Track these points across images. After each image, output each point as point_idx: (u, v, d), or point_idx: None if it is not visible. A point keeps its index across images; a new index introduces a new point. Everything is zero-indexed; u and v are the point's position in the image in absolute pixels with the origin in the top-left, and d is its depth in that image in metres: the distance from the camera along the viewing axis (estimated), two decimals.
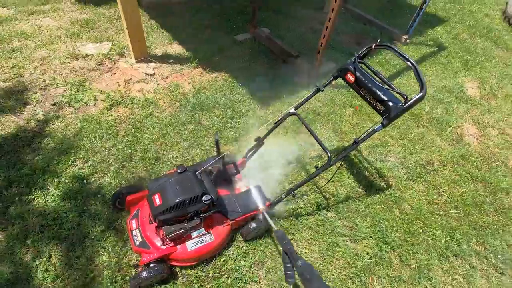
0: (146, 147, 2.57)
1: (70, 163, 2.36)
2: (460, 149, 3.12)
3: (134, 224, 1.90)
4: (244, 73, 3.55)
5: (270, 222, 1.92)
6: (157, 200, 1.72)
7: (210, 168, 2.07)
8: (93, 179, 2.29)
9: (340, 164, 2.68)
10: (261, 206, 2.06)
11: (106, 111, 2.83)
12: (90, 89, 3.02)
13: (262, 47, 4.03)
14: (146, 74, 3.28)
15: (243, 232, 2.07)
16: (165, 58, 3.55)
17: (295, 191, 1.97)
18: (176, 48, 3.76)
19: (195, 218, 1.81)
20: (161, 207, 1.69)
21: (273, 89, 3.39)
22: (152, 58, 3.46)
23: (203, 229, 1.90)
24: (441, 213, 2.53)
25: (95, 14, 4.11)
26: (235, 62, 3.69)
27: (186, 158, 2.56)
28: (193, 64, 3.53)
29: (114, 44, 3.60)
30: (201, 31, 4.12)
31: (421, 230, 2.38)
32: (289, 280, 1.53)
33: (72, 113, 2.77)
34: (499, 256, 2.33)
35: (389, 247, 2.23)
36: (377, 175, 2.75)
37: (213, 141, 2.71)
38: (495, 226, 2.52)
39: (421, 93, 1.62)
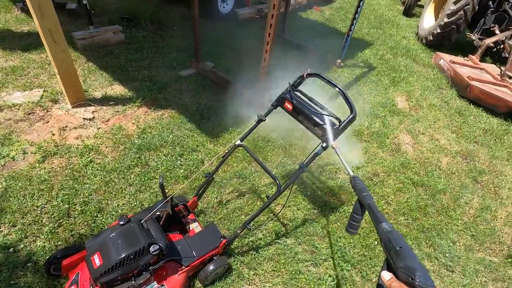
0: (86, 199, 2.35)
1: None
2: (400, 158, 3.39)
3: None
4: (190, 108, 3.54)
5: (346, 166, 1.58)
6: (97, 260, 1.55)
7: (158, 213, 1.95)
8: (22, 246, 2.00)
9: (291, 189, 2.71)
10: (216, 245, 1.97)
11: (37, 164, 2.56)
12: (18, 142, 2.74)
13: (207, 80, 4.08)
14: (84, 119, 3.09)
15: (200, 277, 1.94)
16: (106, 100, 3.40)
17: (250, 224, 1.94)
18: (117, 89, 3.64)
19: (144, 273, 1.66)
20: (102, 268, 1.52)
21: (220, 121, 3.41)
22: (90, 102, 3.29)
23: (155, 282, 1.75)
24: (392, 222, 2.67)
25: (23, 61, 3.84)
26: (180, 98, 3.67)
27: (133, 205, 2.39)
28: (136, 104, 3.42)
29: (46, 90, 3.36)
30: (143, 70, 4.06)
31: (376, 242, 2.47)
32: (352, 231, 1.37)
33: None
34: (447, 255, 2.49)
35: (349, 265, 2.25)
36: (330, 194, 2.84)
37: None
38: (439, 226, 2.72)
39: (352, 115, 1.76)
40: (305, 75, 2.01)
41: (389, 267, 0.91)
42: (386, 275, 0.84)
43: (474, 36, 6.05)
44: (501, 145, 3.90)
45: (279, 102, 2.04)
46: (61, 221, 2.18)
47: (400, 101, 4.48)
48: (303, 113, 1.90)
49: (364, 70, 5.10)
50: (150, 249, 1.61)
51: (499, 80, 4.79)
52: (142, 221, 1.76)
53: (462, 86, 4.77)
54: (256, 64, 3.57)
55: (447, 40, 6.19)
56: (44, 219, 2.17)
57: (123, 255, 1.54)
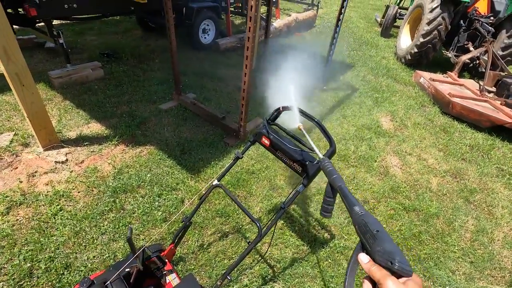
0: (53, 254, 2.14)
1: None
2: (389, 182, 3.29)
3: None
4: (170, 142, 3.42)
5: (315, 148, 1.53)
6: None
7: (127, 270, 1.76)
8: None
9: (274, 228, 2.55)
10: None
11: (1, 217, 2.36)
12: None
13: (188, 113, 4.00)
14: (56, 162, 2.92)
15: None
16: (81, 140, 3.26)
17: (230, 275, 1.77)
18: (94, 128, 3.51)
19: None
20: None
21: (203, 155, 3.28)
22: (64, 143, 3.14)
23: None
24: None
25: None
26: (160, 133, 3.56)
27: (105, 257, 2.18)
28: (113, 142, 3.29)
29: (17, 134, 3.21)
30: (122, 105, 3.97)
31: None
32: (326, 214, 1.34)
33: None
34: (447, 287, 2.33)
35: None
36: (319, 227, 2.69)
37: (136, 229, 2.41)
38: (436, 255, 2.57)
39: (331, 148, 1.66)
40: (281, 108, 1.94)
41: (363, 250, 0.87)
42: (364, 258, 0.80)
43: (450, 54, 6.24)
44: (489, 161, 3.86)
45: (256, 137, 1.95)
46: (21, 283, 1.96)
47: (385, 121, 4.47)
48: (281, 148, 1.81)
49: (347, 92, 5.13)
50: None
51: (479, 95, 4.86)
52: (106, 284, 1.57)
53: (444, 103, 4.82)
54: (239, 92, 3.52)
55: (424, 58, 6.36)
56: (2, 282, 1.95)
57: None
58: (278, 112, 1.96)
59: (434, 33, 5.84)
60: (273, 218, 1.75)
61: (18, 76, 2.59)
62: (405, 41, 7.15)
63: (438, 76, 5.67)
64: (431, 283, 2.35)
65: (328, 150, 1.66)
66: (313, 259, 2.38)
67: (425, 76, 5.51)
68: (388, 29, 8.73)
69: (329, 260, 2.39)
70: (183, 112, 4.00)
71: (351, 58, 6.76)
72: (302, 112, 1.80)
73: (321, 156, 1.46)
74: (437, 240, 2.71)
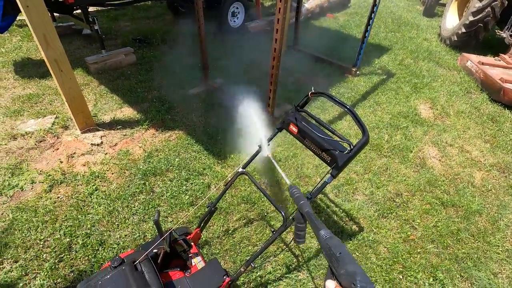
0: (89, 231, 2.29)
1: None
2: (425, 174, 3.07)
3: None
4: (198, 128, 3.45)
5: (284, 175, 1.60)
6: None
7: (155, 251, 1.82)
8: (21, 284, 1.94)
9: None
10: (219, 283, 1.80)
11: (44, 194, 2.55)
12: (27, 171, 2.76)
13: (215, 98, 4.00)
14: (92, 144, 3.08)
15: None
16: (114, 124, 3.39)
17: (253, 262, 1.77)
18: (126, 112, 3.64)
19: None
20: None
21: (230, 140, 3.28)
22: (99, 127, 3.29)
23: None
24: (419, 250, 2.37)
25: (39, 88, 3.97)
26: (188, 118, 3.60)
27: (136, 236, 2.29)
28: (144, 126, 3.39)
29: (58, 117, 3.41)
30: (153, 90, 4.06)
31: (401, 276, 2.18)
32: (299, 241, 1.34)
33: (4, 203, 2.47)
34: None
35: None
36: (347, 218, 2.59)
37: (164, 211, 2.48)
38: (476, 255, 2.38)
39: (364, 138, 1.55)
40: (310, 95, 1.83)
41: (333, 275, 0.89)
42: (331, 284, 0.83)
43: (505, 34, 5.56)
44: None
45: (284, 124, 1.88)
46: (62, 256, 2.11)
47: (424, 109, 4.14)
48: (310, 136, 1.72)
49: (382, 78, 4.81)
50: None
51: None
52: (135, 263, 1.63)
53: (494, 90, 4.35)
54: (267, 78, 3.43)
55: (473, 39, 5.74)
56: (46, 254, 2.12)
57: None
58: (307, 98, 1.86)
59: (487, 10, 5.22)
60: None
61: (56, 62, 2.71)
62: (451, 20, 6.49)
63: (489, 59, 5.10)
64: (469, 285, 2.19)
65: (361, 139, 1.55)
66: None
67: (473, 60, 4.98)
68: (432, 7, 7.97)
69: (357, 253, 2.31)
70: (211, 98, 4.00)
71: (388, 40, 6.29)
72: (332, 98, 1.69)
73: (289, 182, 1.51)
74: (478, 239, 2.50)
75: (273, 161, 1.69)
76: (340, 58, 5.12)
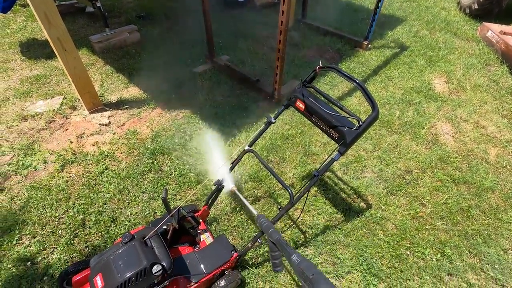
0: (101, 208, 2.35)
1: (14, 242, 2.12)
2: (437, 151, 2.99)
3: None
4: (205, 106, 3.42)
5: (250, 206, 1.72)
6: (99, 282, 1.50)
7: (164, 227, 1.87)
8: (40, 258, 2.04)
9: (307, 195, 2.49)
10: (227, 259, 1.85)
11: (57, 173, 2.61)
12: (39, 151, 2.82)
13: (222, 76, 3.92)
14: (100, 124, 3.10)
15: None
16: (121, 104, 3.39)
17: (260, 238, 1.79)
18: (132, 91, 3.62)
19: None
20: None
21: (236, 118, 3.24)
22: (106, 107, 3.30)
23: None
24: (428, 227, 2.35)
25: (46, 69, 3.96)
26: (195, 96, 3.56)
27: (146, 213, 2.34)
28: (151, 106, 3.38)
29: (65, 97, 3.43)
30: (158, 69, 4.00)
31: (409, 252, 2.19)
32: (277, 269, 1.40)
33: (19, 182, 2.55)
34: (496, 266, 2.15)
35: (376, 279, 2.02)
36: (355, 195, 2.58)
37: (173, 189, 2.52)
38: (487, 232, 2.35)
39: (374, 113, 1.50)
40: (317, 69, 1.76)
41: None
42: None
43: None
44: None
45: (291, 101, 1.83)
46: (76, 232, 2.20)
47: (438, 83, 3.96)
48: (317, 113, 1.67)
49: (395, 51, 4.59)
50: (153, 269, 1.52)
51: None
52: (145, 238, 1.68)
53: None
54: (275, 54, 3.32)
55: (496, 7, 5.35)
56: (61, 230, 2.21)
57: (124, 277, 1.47)
58: (314, 72, 1.78)
59: None
60: (305, 185, 1.68)
61: (60, 41, 2.67)
62: None
63: (511, 28, 4.77)
64: (477, 261, 2.18)
65: (370, 115, 1.50)
66: (347, 227, 2.32)
67: (494, 29, 4.68)
68: None
69: (364, 230, 2.31)
70: (217, 75, 3.93)
71: (402, 10, 5.94)
72: (341, 72, 1.61)
73: (255, 212, 1.59)
74: (489, 216, 2.46)
75: (237, 193, 1.86)
76: (351, 31, 4.89)
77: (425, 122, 3.32)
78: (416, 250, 2.20)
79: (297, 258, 1.14)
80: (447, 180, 2.71)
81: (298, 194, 1.69)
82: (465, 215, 2.45)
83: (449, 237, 2.30)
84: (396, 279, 2.03)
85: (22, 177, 2.59)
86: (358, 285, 2.00)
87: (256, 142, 2.06)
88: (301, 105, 1.77)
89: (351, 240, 2.24)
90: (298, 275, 1.05)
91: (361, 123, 1.52)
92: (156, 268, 1.53)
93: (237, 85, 3.77)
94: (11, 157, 2.75)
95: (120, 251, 1.58)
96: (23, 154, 2.77)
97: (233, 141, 3.00)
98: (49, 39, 2.64)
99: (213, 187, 2.06)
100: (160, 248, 1.67)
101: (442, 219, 2.41)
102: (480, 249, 2.23)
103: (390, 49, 4.65)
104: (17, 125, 3.08)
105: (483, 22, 5.06)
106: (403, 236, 2.28)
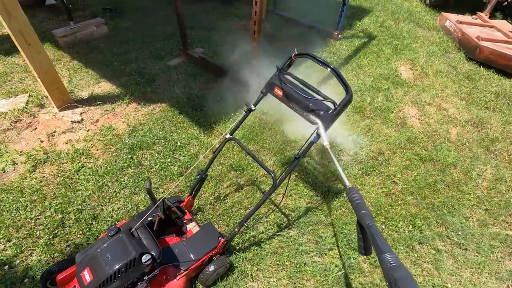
0: (80, 206, 2.29)
1: None
2: (406, 133, 3.21)
3: None
4: (181, 99, 3.38)
5: (343, 175, 1.41)
6: (87, 276, 1.49)
7: (150, 218, 1.87)
8: (18, 261, 1.96)
9: (289, 179, 2.58)
10: (215, 245, 1.89)
11: (28, 174, 2.49)
12: (6, 152, 2.66)
13: (197, 68, 3.89)
14: (72, 122, 2.98)
15: (201, 279, 1.88)
16: (93, 100, 3.27)
17: (246, 222, 1.85)
18: (104, 87, 3.49)
19: (139, 283, 1.59)
20: (92, 284, 1.45)
21: (214, 110, 3.25)
22: (77, 103, 3.16)
23: None
24: (399, 202, 2.54)
25: (6, 66, 3.70)
26: (170, 90, 3.51)
27: (129, 208, 2.31)
28: (125, 101, 3.28)
29: (31, 95, 3.24)
30: (130, 63, 3.88)
31: (384, 226, 2.36)
32: (363, 251, 1.20)
33: None
34: (460, 233, 2.37)
35: (356, 253, 2.16)
36: (333, 178, 2.71)
37: (155, 183, 2.50)
38: (451, 203, 2.58)
39: (348, 96, 1.59)
40: (293, 56, 1.82)
41: None
42: None
43: None
44: None
45: (269, 88, 1.88)
46: (56, 232, 2.13)
47: (404, 70, 4.21)
48: (295, 98, 1.74)
49: (364, 41, 4.79)
50: (142, 259, 1.53)
51: (511, 38, 4.43)
52: (132, 230, 1.68)
53: (470, 48, 4.45)
54: (249, 45, 3.35)
55: None
56: (39, 231, 2.12)
57: (113, 269, 1.47)
58: (290, 60, 1.85)
59: None
60: (287, 169, 1.76)
61: (22, 34, 2.52)
62: None
63: (466, 18, 5.16)
64: (444, 229, 2.40)
65: (344, 98, 1.60)
66: (327, 208, 2.44)
67: (451, 19, 5.02)
68: None
69: (343, 209, 2.45)
70: (192, 68, 3.89)
71: (369, 1, 6.18)
72: (316, 58, 1.69)
73: (348, 184, 1.31)
74: (452, 189, 2.70)
75: (331, 154, 1.56)
76: (321, 22, 5.02)
77: (394, 107, 3.53)
78: (390, 224, 2.37)
79: (392, 259, 0.90)
80: (415, 159, 2.93)
81: (280, 178, 1.76)
82: (432, 189, 2.67)
83: (419, 210, 2.50)
84: (373, 252, 2.18)
85: None
86: (340, 260, 2.13)
87: (236, 131, 2.09)
88: (279, 91, 1.83)
89: (332, 219, 2.37)
90: (387, 281, 0.84)
91: (336, 106, 1.62)
92: (145, 258, 1.54)
93: (213, 77, 3.76)
94: None
95: (107, 244, 1.56)
96: None
97: (212, 131, 3.01)
98: (10, 33, 2.48)
99: (197, 177, 2.08)
100: (148, 238, 1.67)
101: (412, 194, 2.61)
102: (445, 219, 2.45)
103: (359, 38, 4.84)
104: None
105: (442, 12, 5.41)
106: (378, 212, 2.44)
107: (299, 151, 1.74)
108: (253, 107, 1.94)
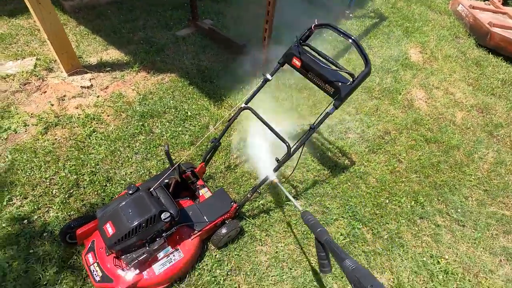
0: (94, 169, 2.33)
1: (5, 203, 2.06)
2: (412, 115, 3.25)
3: (91, 258, 1.71)
4: (191, 70, 3.36)
5: (294, 202, 1.62)
6: (109, 229, 1.55)
7: (166, 180, 1.92)
8: (36, 217, 2.02)
9: (301, 152, 2.63)
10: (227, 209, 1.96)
11: (40, 136, 2.51)
12: (17, 114, 2.66)
13: (206, 40, 3.83)
14: (82, 87, 2.96)
15: (214, 241, 1.96)
16: (102, 66, 3.23)
17: (259, 188, 1.91)
18: (112, 54, 3.44)
19: (158, 239, 1.67)
20: (115, 237, 1.52)
21: (224, 83, 3.24)
22: (86, 69, 3.13)
23: (169, 247, 1.76)
24: (403, 179, 2.62)
25: (11, 28, 3.61)
26: (180, 60, 3.47)
27: (141, 173, 2.36)
28: (134, 69, 3.25)
29: (39, 59, 3.19)
30: (138, 31, 3.81)
31: (387, 201, 2.45)
32: (324, 269, 1.30)
33: None
34: (459, 210, 2.48)
35: (360, 224, 2.26)
36: (340, 154, 2.77)
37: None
38: (452, 182, 2.67)
39: (367, 68, 1.61)
40: (313, 27, 1.81)
41: None
42: None
43: None
44: None
45: (286, 58, 1.88)
46: (71, 191, 2.18)
47: (414, 53, 4.19)
48: (313, 69, 1.75)
49: (374, 21, 4.72)
50: (162, 216, 1.60)
51: None
52: (151, 189, 1.73)
53: (481, 34, 4.42)
54: (259, 19, 3.30)
55: None
56: (54, 190, 2.17)
57: (135, 224, 1.53)
58: (310, 30, 1.84)
59: None
60: (301, 138, 1.80)
61: None
62: None
63: (479, 3, 5.08)
64: (444, 206, 2.50)
65: (363, 70, 1.61)
66: (334, 181, 2.51)
67: (464, 3, 4.94)
68: None
69: (349, 183, 2.53)
70: (201, 40, 3.83)
71: None
72: (337, 29, 1.68)
73: (300, 209, 1.54)
74: (454, 169, 2.78)
75: (280, 186, 1.81)
76: (333, 0, 4.91)
77: (402, 89, 3.55)
78: (394, 199, 2.46)
79: (351, 264, 1.01)
80: (420, 140, 2.99)
81: (295, 147, 1.81)
82: (435, 169, 2.75)
83: (421, 187, 2.59)
84: (377, 223, 2.29)
85: (2, 140, 2.46)
86: (344, 229, 2.23)
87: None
88: (297, 62, 1.84)
89: (338, 192, 2.45)
90: (352, 283, 0.94)
91: (354, 78, 1.63)
92: (164, 215, 1.61)
93: (222, 50, 3.71)
94: None
95: (128, 200, 1.62)
96: None
97: (222, 103, 3.03)
98: None
99: (210, 144, 2.12)
100: (166, 198, 1.73)
101: (416, 173, 2.69)
102: (446, 197, 2.55)
103: (370, 19, 4.77)
104: None
105: None
106: (382, 188, 2.53)
107: (315, 121, 1.77)
108: (269, 77, 1.95)
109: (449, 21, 5.00)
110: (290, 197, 1.70)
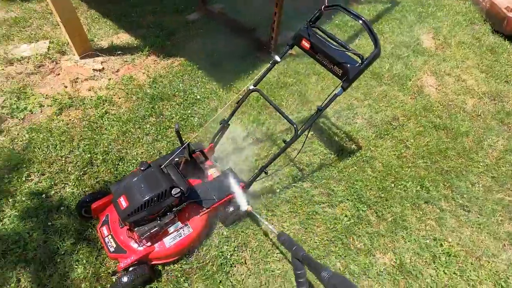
0: (106, 149, 2.41)
1: (24, 179, 2.17)
2: (422, 101, 3.22)
3: (105, 230, 1.80)
4: (200, 54, 3.38)
5: (269, 226, 1.75)
6: (123, 202, 1.63)
7: (176, 159, 1.98)
8: (53, 192, 2.12)
9: (307, 135, 2.66)
10: (235, 189, 2.02)
11: (55, 116, 2.60)
12: (33, 95, 2.75)
13: (215, 24, 3.83)
14: (94, 70, 3.02)
15: (221, 218, 2.04)
16: (113, 50, 3.28)
17: (266, 168, 1.96)
18: (123, 38, 3.48)
19: (168, 213, 1.74)
20: (129, 209, 1.60)
21: (233, 67, 3.26)
22: (98, 52, 3.18)
23: (179, 222, 1.85)
24: (410, 165, 2.63)
25: (24, 11, 3.68)
26: (189, 44, 3.49)
27: (152, 153, 2.44)
28: (144, 53, 3.29)
29: (52, 42, 3.26)
30: (148, 15, 3.83)
31: (393, 185, 2.47)
32: None
33: (17, 125, 2.52)
34: (465, 196, 2.48)
35: (365, 206, 2.30)
36: (347, 139, 2.78)
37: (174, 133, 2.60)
38: (459, 169, 2.67)
39: (376, 50, 1.61)
40: (322, 8, 1.80)
41: None
42: None
43: None
44: None
45: (296, 40, 1.89)
46: (85, 169, 2.27)
47: (426, 39, 4.10)
48: (322, 51, 1.75)
49: (387, 6, 4.61)
50: (172, 192, 1.66)
51: None
52: (162, 166, 1.80)
53: (498, 19, 4.28)
54: (269, 3, 3.27)
55: None
56: (70, 167, 2.27)
57: (147, 197, 1.60)
58: (319, 12, 1.83)
59: None
60: (309, 120, 1.82)
61: None
62: None
63: None
64: (450, 191, 2.51)
65: (372, 51, 1.61)
66: (340, 165, 2.54)
67: None
68: None
69: (355, 167, 2.55)
70: (211, 24, 3.83)
71: None
72: (347, 10, 1.68)
73: (275, 231, 1.59)
74: (462, 156, 2.77)
75: (255, 214, 1.89)
76: None
77: (412, 75, 3.50)
78: (399, 184, 2.48)
79: (327, 273, 1.07)
80: (429, 126, 2.97)
81: (302, 128, 1.83)
82: (443, 155, 2.75)
83: (428, 173, 2.60)
84: (381, 206, 2.32)
85: (19, 120, 2.56)
86: (349, 211, 2.27)
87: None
88: (306, 44, 1.84)
89: (343, 175, 2.48)
90: None
91: (364, 60, 1.64)
92: (175, 191, 1.68)
93: (232, 34, 3.71)
94: (3, 100, 2.67)
95: (140, 176, 1.69)
96: (15, 98, 2.70)
97: (230, 88, 3.05)
98: None
99: (220, 126, 2.16)
100: (176, 175, 1.80)
101: (423, 158, 2.69)
102: (453, 182, 2.55)
103: (382, 4, 4.66)
104: (3, 69, 2.93)
105: None
106: (388, 172, 2.55)
107: (323, 103, 1.79)
108: (278, 59, 1.96)
109: (465, 6, 4.84)
110: (264, 221, 1.81)
